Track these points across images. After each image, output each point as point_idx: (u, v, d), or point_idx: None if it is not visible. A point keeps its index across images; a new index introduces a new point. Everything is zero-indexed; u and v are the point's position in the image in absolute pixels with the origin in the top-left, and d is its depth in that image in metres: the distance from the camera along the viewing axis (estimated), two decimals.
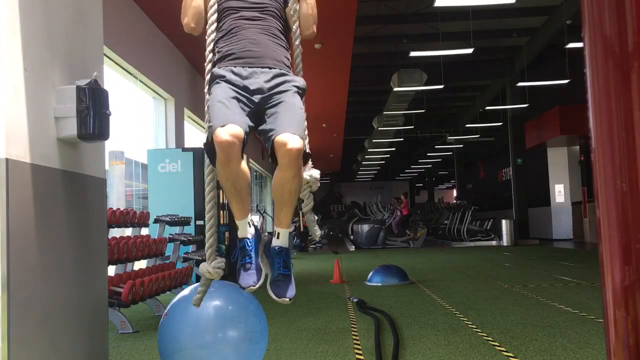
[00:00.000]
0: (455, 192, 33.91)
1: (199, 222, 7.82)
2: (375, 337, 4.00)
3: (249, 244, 2.29)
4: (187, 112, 11.68)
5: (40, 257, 2.31)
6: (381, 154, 27.86)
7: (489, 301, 5.71)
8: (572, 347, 3.66)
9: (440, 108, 24.42)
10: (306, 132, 2.31)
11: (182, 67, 11.20)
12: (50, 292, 2.38)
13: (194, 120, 12.75)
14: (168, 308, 3.00)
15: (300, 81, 2.41)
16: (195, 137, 12.82)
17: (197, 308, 2.55)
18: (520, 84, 15.40)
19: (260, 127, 2.29)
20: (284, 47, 2.46)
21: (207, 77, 2.39)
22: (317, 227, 2.50)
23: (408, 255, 13.27)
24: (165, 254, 6.23)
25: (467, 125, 22.69)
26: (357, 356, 3.60)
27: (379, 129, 20.56)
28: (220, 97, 2.25)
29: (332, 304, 5.79)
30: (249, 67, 2.34)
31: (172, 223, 6.69)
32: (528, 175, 18.19)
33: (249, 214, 2.33)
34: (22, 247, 2.19)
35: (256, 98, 2.30)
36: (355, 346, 3.87)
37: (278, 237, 2.32)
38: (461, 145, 26.98)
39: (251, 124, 2.28)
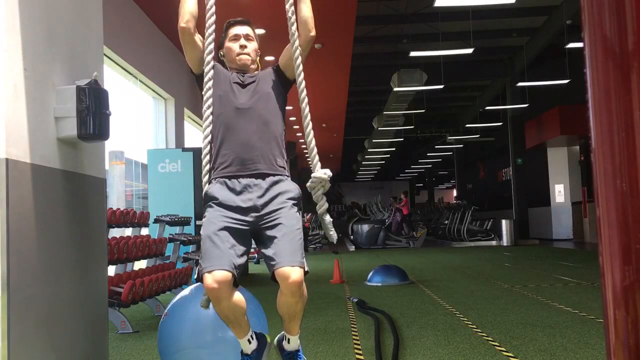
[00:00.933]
0: (455, 192, 33.91)
1: (199, 222, 7.81)
2: (375, 337, 4.00)
3: None
4: (187, 112, 11.68)
5: (40, 257, 2.31)
6: (381, 154, 27.87)
7: (489, 301, 5.71)
8: (572, 347, 3.66)
9: (440, 108, 24.42)
10: (303, 249, 2.33)
11: (182, 67, 11.20)
12: (50, 292, 2.38)
13: (194, 120, 12.76)
14: (168, 308, 3.00)
15: (295, 190, 2.41)
16: (195, 137, 12.82)
17: (197, 308, 2.56)
18: (520, 84, 15.40)
19: (262, 250, 2.33)
20: (277, 144, 2.42)
21: (204, 191, 2.40)
22: (333, 230, 2.48)
23: (408, 255, 13.27)
24: (165, 254, 6.23)
25: (467, 125, 22.70)
26: (357, 356, 3.60)
27: (379, 129, 20.56)
28: (210, 230, 2.27)
29: (332, 304, 5.79)
30: (242, 179, 2.33)
31: (172, 223, 6.69)
32: (528, 175, 18.19)
33: (248, 332, 2.39)
34: (22, 247, 2.19)
35: (250, 217, 2.32)
36: (355, 346, 3.87)
37: (289, 342, 2.46)
38: (461, 145, 26.99)
39: (246, 248, 2.32)
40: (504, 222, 16.54)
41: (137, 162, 9.27)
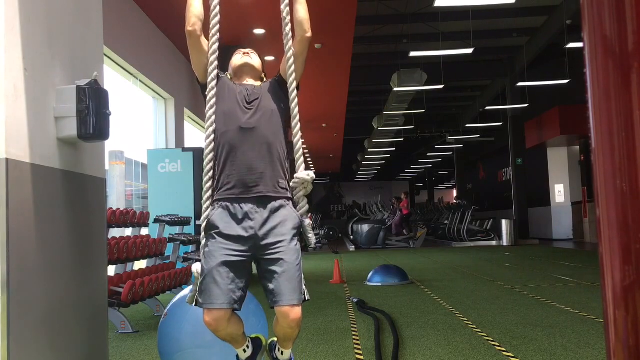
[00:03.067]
0: (455, 192, 33.91)
1: (199, 222, 7.81)
2: (375, 337, 4.00)
3: None
4: (187, 112, 11.68)
5: (40, 257, 2.31)
6: (381, 154, 27.86)
7: (489, 301, 5.71)
8: (572, 347, 3.66)
9: (440, 108, 24.42)
10: (303, 282, 2.39)
11: (182, 67, 11.20)
12: (50, 292, 2.38)
13: (194, 120, 12.75)
14: (168, 308, 3.00)
15: (295, 220, 2.42)
16: (195, 137, 12.82)
17: (197, 308, 2.55)
18: (520, 84, 15.40)
19: (262, 281, 2.37)
20: (279, 164, 2.43)
21: (203, 224, 2.41)
22: (312, 234, 2.49)
23: (408, 255, 13.28)
24: (165, 254, 6.23)
25: (467, 125, 22.70)
26: (357, 356, 3.60)
27: (379, 129, 20.56)
28: (212, 265, 2.31)
29: (332, 304, 5.79)
30: (244, 204, 2.35)
31: (172, 223, 6.68)
32: (528, 175, 18.19)
33: (245, 343, 2.49)
34: (22, 247, 2.19)
35: (251, 246, 2.34)
36: (355, 346, 3.87)
37: (282, 354, 2.55)
38: (461, 145, 26.99)
39: (246, 279, 2.36)
40: (504, 222, 16.54)
41: (137, 162, 9.27)
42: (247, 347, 2.50)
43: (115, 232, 5.77)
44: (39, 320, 2.29)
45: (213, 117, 2.42)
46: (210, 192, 2.42)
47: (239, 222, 2.35)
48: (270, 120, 2.43)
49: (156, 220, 6.53)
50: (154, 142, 10.42)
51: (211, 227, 2.38)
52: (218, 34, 2.48)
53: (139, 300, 4.84)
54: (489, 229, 17.20)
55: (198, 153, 7.89)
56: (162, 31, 9.85)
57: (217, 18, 2.47)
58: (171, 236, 6.60)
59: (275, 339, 2.56)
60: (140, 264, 6.17)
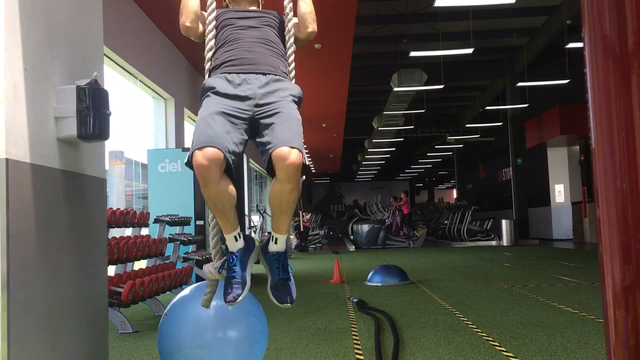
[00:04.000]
0: (455, 192, 33.91)
1: (199, 222, 7.82)
2: (375, 337, 4.00)
3: (232, 260, 2.28)
4: (187, 112, 11.68)
5: (40, 257, 2.31)
6: (381, 154, 27.87)
7: (489, 301, 5.71)
8: (572, 347, 3.66)
9: (440, 108, 24.42)
10: (304, 144, 2.24)
11: (182, 67, 11.20)
12: (50, 292, 2.38)
13: (194, 120, 12.75)
14: (168, 308, 3.00)
15: (296, 89, 2.36)
16: None
17: (197, 308, 2.55)
18: (520, 84, 15.40)
19: (257, 139, 2.25)
20: (280, 54, 2.43)
21: (201, 86, 2.40)
22: (293, 236, 2.45)
23: (408, 255, 13.27)
24: (165, 254, 6.23)
25: (467, 125, 22.70)
26: (357, 356, 3.60)
27: (379, 129, 20.56)
28: (206, 113, 2.23)
29: (332, 304, 5.79)
30: (242, 74, 2.31)
31: (172, 223, 6.68)
32: (528, 175, 18.19)
33: (236, 229, 2.29)
34: (22, 247, 2.19)
35: (248, 106, 2.26)
36: (355, 346, 3.87)
37: (276, 243, 2.32)
38: (461, 145, 26.98)
39: (242, 138, 2.25)
40: (504, 222, 16.54)
41: (137, 162, 9.27)
42: (239, 235, 2.30)
43: (115, 232, 5.76)
44: (39, 320, 2.29)
45: (214, 4, 2.45)
46: (209, 72, 2.42)
47: (236, 86, 2.31)
48: (271, 29, 2.46)
49: (156, 220, 6.53)
50: (154, 142, 10.41)
51: (207, 88, 2.34)
52: (214, 3, 2.50)
53: (139, 300, 4.84)
54: (489, 229, 17.20)
55: None
56: (162, 31, 9.85)
57: (214, 12, 2.51)
58: (171, 236, 6.60)
59: (267, 239, 2.40)
60: (140, 264, 6.16)
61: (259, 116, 2.25)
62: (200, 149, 2.10)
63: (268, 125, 2.21)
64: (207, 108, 2.25)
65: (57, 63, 2.50)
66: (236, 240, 2.29)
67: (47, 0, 2.45)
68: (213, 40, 2.42)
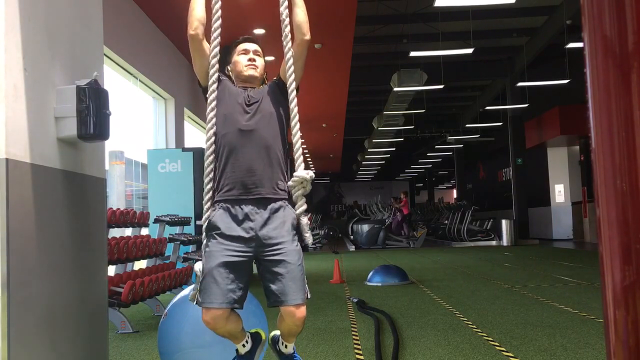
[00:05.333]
0: (455, 192, 33.91)
1: (199, 222, 7.81)
2: (375, 337, 4.00)
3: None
4: (187, 112, 11.68)
5: (40, 257, 2.31)
6: (381, 154, 27.87)
7: (489, 301, 5.71)
8: (572, 347, 3.66)
9: (440, 108, 24.42)
10: (305, 281, 2.41)
11: (182, 67, 11.20)
12: (50, 292, 2.38)
13: (194, 120, 12.75)
14: (168, 308, 3.00)
15: (292, 217, 2.46)
16: (195, 137, 12.82)
17: (197, 308, 2.56)
18: (520, 84, 15.40)
19: (263, 281, 2.40)
20: (278, 165, 2.47)
21: (204, 225, 2.44)
22: (309, 234, 2.52)
23: (408, 255, 13.27)
24: (165, 254, 6.23)
25: (467, 125, 22.70)
26: (357, 356, 3.60)
27: (379, 129, 20.56)
28: (212, 264, 2.34)
29: (332, 304, 5.79)
30: (244, 205, 2.39)
31: (172, 223, 6.68)
32: (528, 175, 18.19)
33: (244, 339, 2.54)
34: (22, 247, 2.19)
35: (251, 248, 2.38)
36: (355, 346, 3.87)
37: (286, 347, 2.59)
38: (461, 145, 26.98)
39: (247, 279, 2.40)
40: (504, 222, 16.53)
41: (137, 162, 9.27)
42: (247, 342, 2.55)
43: (115, 232, 5.76)
44: (39, 320, 2.29)
45: (214, 120, 2.46)
46: (211, 193, 2.46)
47: (239, 223, 2.38)
48: (269, 122, 2.47)
49: (156, 220, 6.53)
50: (154, 142, 10.42)
51: (212, 227, 2.41)
52: (219, 38, 2.50)
53: (139, 300, 4.84)
54: (489, 229, 17.20)
55: (198, 153, 7.90)
56: (162, 31, 9.85)
57: (219, 22, 2.50)
58: (171, 236, 6.60)
59: (278, 332, 2.61)
60: (140, 264, 6.16)
61: (262, 257, 2.39)
62: (207, 310, 2.33)
63: (274, 274, 2.36)
64: (213, 257, 2.36)
65: (57, 63, 2.50)
66: (244, 346, 2.54)
67: (47, 0, 2.45)
68: (212, 157, 2.44)
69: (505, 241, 16.33)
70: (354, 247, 16.59)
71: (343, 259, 11.96)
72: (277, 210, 2.42)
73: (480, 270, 9.06)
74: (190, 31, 2.44)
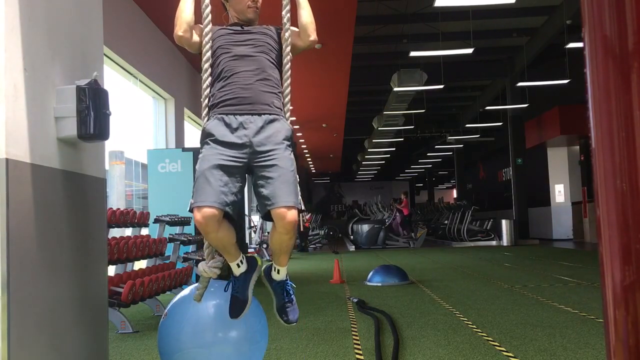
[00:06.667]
0: (455, 192, 33.91)
1: None
2: (375, 337, 4.00)
3: (236, 282, 2.53)
4: (187, 112, 11.68)
5: (40, 257, 2.31)
6: (381, 154, 27.88)
7: (489, 301, 5.71)
8: (572, 347, 3.66)
9: (440, 108, 24.43)
10: (298, 189, 2.41)
11: (182, 67, 11.20)
12: (50, 292, 2.38)
13: (194, 120, 12.75)
14: (168, 308, 3.00)
15: (288, 130, 2.49)
16: (195, 137, 12.82)
17: (197, 308, 2.57)
18: (520, 84, 15.41)
19: (254, 183, 2.41)
20: (275, 86, 2.52)
21: (202, 128, 2.50)
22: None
23: (408, 255, 13.27)
24: (165, 254, 6.23)
25: (467, 125, 22.70)
26: (357, 356, 3.60)
27: (379, 129, 20.56)
28: (205, 166, 2.37)
29: (332, 304, 5.79)
30: (239, 115, 2.42)
31: (172, 223, 6.68)
32: (528, 175, 18.19)
33: (238, 257, 2.50)
34: (22, 247, 2.19)
35: (245, 154, 2.40)
36: (355, 346, 3.87)
37: (278, 273, 2.57)
38: (461, 145, 26.98)
39: (240, 185, 2.41)
40: (504, 222, 16.54)
41: (137, 162, 9.27)
42: (241, 262, 2.52)
43: (115, 232, 5.76)
44: (39, 320, 2.29)
45: (210, 52, 2.51)
46: (207, 109, 2.52)
47: (233, 130, 2.42)
48: (267, 54, 2.53)
49: (156, 220, 6.53)
50: (154, 142, 10.42)
51: (207, 135, 2.46)
52: (210, 16, 2.55)
53: (139, 300, 4.84)
54: (489, 229, 17.20)
55: (198, 153, 7.89)
56: (162, 31, 9.85)
57: (209, 18, 2.55)
58: (171, 236, 6.60)
59: (268, 263, 2.61)
60: (140, 264, 6.16)
61: (255, 163, 2.40)
62: (199, 208, 2.31)
63: (266, 178, 2.37)
64: (206, 160, 2.39)
65: (57, 63, 2.50)
66: (239, 266, 2.52)
67: (47, 0, 2.45)
68: (208, 73, 2.51)
69: (505, 241, 16.33)
70: (354, 247, 16.59)
71: (343, 259, 11.96)
72: (271, 121, 2.45)
73: (480, 270, 9.06)
74: (179, 33, 2.52)
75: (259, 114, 2.42)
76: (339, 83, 13.79)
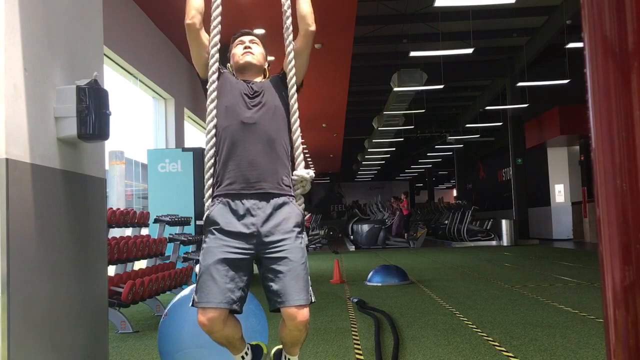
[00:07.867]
0: (455, 192, 33.90)
1: (199, 222, 7.82)
2: (375, 337, 4.00)
3: None
4: (187, 112, 11.68)
5: (40, 257, 2.31)
6: (381, 154, 27.86)
7: (489, 301, 5.71)
8: (572, 347, 3.66)
9: (440, 108, 24.42)
10: (309, 281, 2.27)
11: (182, 67, 11.20)
12: (50, 292, 2.38)
13: (194, 120, 12.76)
14: (168, 308, 3.00)
15: (298, 215, 2.33)
16: (195, 137, 12.82)
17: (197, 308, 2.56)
18: (520, 84, 15.40)
19: (264, 282, 2.26)
20: (283, 156, 2.35)
21: (205, 210, 2.32)
22: (304, 234, 2.46)
23: (408, 255, 13.27)
24: (165, 254, 6.23)
25: (467, 125, 22.70)
26: (357, 356, 3.60)
27: (379, 129, 20.56)
28: (210, 261, 2.20)
29: (332, 304, 5.79)
30: (246, 200, 2.25)
31: (172, 223, 6.68)
32: (528, 175, 18.19)
33: (243, 350, 2.39)
34: (22, 247, 2.19)
35: (252, 244, 2.24)
36: (355, 346, 3.86)
37: None
38: (461, 145, 26.98)
39: (247, 278, 2.26)
40: (504, 222, 16.54)
41: (137, 162, 9.28)
42: (246, 353, 2.39)
43: (115, 232, 5.76)
44: (39, 320, 2.29)
45: (214, 112, 2.35)
46: (211, 189, 2.34)
47: (239, 218, 2.24)
48: (273, 116, 2.35)
49: (156, 220, 6.53)
50: (154, 142, 10.42)
51: (211, 223, 2.27)
52: (219, 26, 2.43)
53: (139, 300, 4.84)
54: (489, 229, 17.20)
55: (198, 153, 7.90)
56: (162, 31, 9.85)
57: (219, 10, 2.43)
58: (171, 236, 6.60)
59: (280, 346, 2.48)
60: (140, 264, 6.16)
61: (264, 255, 2.25)
62: (203, 310, 2.17)
63: (275, 272, 2.22)
64: (210, 253, 2.22)
65: (57, 63, 2.50)
66: (243, 358, 2.41)
67: (47, 0, 2.45)
68: (212, 150, 2.33)
69: (505, 241, 16.33)
70: (354, 247, 16.59)
71: (343, 259, 11.96)
72: (280, 205, 2.28)
73: (480, 270, 9.06)
74: (187, 20, 2.35)
75: (267, 200, 2.26)
76: (339, 83, 13.79)
